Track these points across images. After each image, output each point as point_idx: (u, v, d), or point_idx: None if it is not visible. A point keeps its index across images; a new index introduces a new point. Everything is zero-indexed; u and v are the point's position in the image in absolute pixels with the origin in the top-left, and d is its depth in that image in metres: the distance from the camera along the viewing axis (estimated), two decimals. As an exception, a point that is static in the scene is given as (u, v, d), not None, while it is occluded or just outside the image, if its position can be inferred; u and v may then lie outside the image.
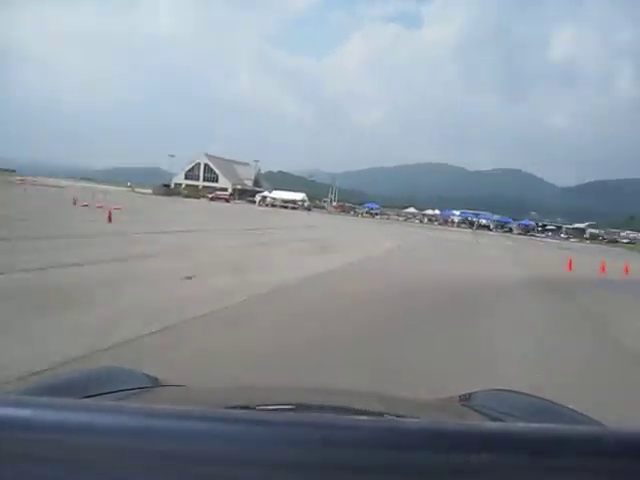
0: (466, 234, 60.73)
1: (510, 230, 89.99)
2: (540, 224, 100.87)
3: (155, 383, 1.80)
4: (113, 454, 0.60)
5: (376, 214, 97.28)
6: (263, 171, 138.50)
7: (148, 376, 1.84)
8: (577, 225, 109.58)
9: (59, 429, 0.61)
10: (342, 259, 16.91)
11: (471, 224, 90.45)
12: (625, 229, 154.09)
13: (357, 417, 1.13)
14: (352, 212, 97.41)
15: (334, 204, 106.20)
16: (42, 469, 0.60)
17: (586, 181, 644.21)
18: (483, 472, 0.61)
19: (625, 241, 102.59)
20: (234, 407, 1.39)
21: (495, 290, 13.86)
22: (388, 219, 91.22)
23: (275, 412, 1.26)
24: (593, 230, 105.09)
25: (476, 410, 1.66)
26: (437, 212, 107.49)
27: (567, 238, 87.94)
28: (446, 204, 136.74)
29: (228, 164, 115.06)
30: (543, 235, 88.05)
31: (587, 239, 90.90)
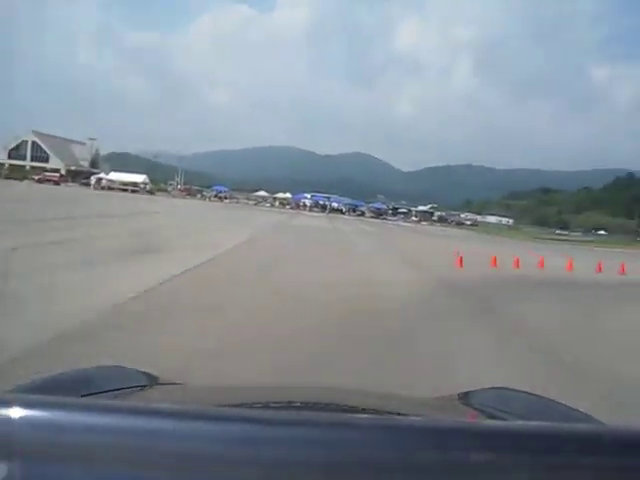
0: (320, 219, 56.25)
1: (362, 213, 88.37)
2: (391, 207, 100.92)
3: (153, 381, 1.79)
4: (111, 453, 0.60)
5: (225, 197, 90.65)
6: (105, 152, 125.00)
7: (147, 374, 1.82)
8: (421, 208, 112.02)
9: (57, 428, 0.60)
10: (171, 266, 10.72)
11: (323, 208, 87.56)
12: (464, 211, 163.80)
13: (356, 415, 1.14)
14: (199, 195, 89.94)
15: (179, 187, 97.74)
16: (40, 468, 0.60)
17: (428, 166, 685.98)
18: (483, 470, 0.60)
19: (469, 223, 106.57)
20: (232, 406, 1.40)
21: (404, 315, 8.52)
22: (237, 203, 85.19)
23: (273, 411, 1.26)
24: (440, 213, 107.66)
25: (475, 408, 1.67)
26: (289, 195, 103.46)
27: (418, 221, 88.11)
28: (298, 187, 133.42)
29: (61, 143, 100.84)
30: (395, 218, 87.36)
31: (436, 222, 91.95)
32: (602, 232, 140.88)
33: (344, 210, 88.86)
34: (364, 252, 21.32)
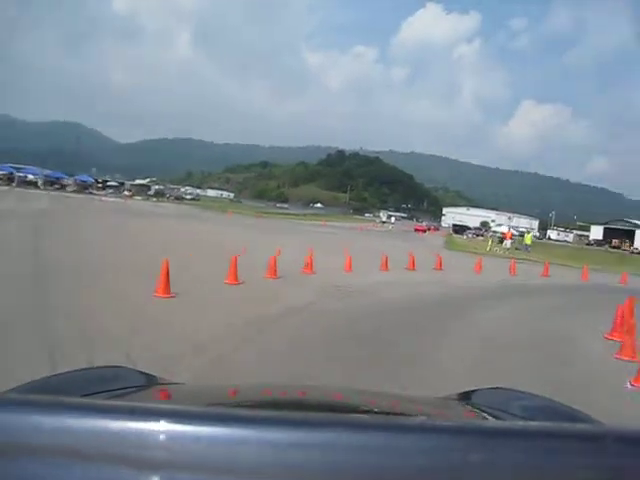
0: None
1: (63, 187, 75.32)
2: (100, 180, 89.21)
3: (153, 382, 1.81)
4: (111, 453, 0.59)
5: None
6: None
7: (147, 375, 1.84)
8: (139, 181, 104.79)
9: (57, 428, 0.60)
10: None
11: (10, 181, 71.95)
12: (184, 184, 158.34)
13: (356, 415, 1.15)
14: None
15: None
16: (40, 468, 0.60)
17: (146, 138, 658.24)
18: (483, 470, 0.60)
19: (189, 197, 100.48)
20: (232, 405, 1.41)
21: None
22: None
23: (274, 411, 1.26)
24: (158, 187, 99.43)
25: (476, 408, 1.66)
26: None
27: (131, 195, 78.39)
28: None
29: None
30: (104, 192, 76.31)
31: (152, 196, 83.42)
32: (319, 205, 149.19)
33: (39, 183, 74.64)
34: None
